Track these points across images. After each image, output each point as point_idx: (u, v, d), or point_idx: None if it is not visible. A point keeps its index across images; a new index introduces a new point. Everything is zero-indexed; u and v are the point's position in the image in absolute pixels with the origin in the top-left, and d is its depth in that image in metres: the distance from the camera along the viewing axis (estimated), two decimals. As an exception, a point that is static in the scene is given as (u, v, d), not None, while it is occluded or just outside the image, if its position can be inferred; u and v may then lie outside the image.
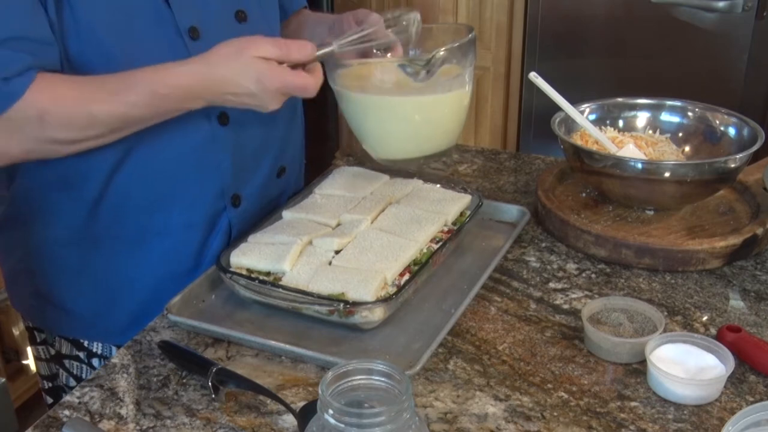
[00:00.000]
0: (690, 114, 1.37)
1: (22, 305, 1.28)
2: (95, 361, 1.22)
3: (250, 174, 1.21)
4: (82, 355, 1.23)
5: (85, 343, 1.22)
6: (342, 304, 0.99)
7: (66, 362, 1.25)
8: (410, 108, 1.10)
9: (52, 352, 1.26)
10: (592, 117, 1.38)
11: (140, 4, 1.05)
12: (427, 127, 1.12)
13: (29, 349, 2.31)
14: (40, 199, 1.13)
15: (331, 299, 1.00)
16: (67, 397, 0.94)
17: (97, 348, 1.22)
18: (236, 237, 1.20)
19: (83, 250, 1.15)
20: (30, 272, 1.20)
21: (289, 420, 0.89)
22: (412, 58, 1.09)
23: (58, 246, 1.15)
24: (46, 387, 1.32)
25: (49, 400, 1.33)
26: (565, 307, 1.09)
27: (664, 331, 0.99)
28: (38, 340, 1.28)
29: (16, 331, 2.30)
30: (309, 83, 1.01)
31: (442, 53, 1.05)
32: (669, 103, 1.39)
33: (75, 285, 1.18)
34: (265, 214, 1.24)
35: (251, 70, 0.99)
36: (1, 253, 1.26)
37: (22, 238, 1.18)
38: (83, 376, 1.23)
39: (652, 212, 1.27)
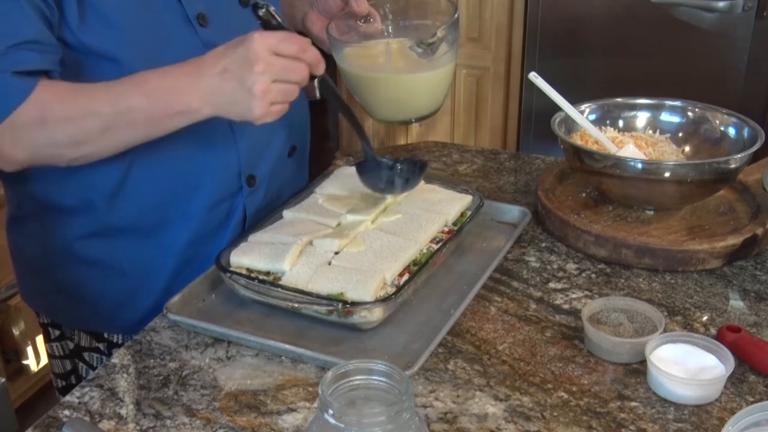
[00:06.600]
0: (690, 114, 1.37)
1: (36, 301, 1.27)
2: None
3: (263, 154, 1.22)
4: (102, 346, 1.23)
5: (105, 335, 1.23)
6: (341, 304, 0.99)
7: (86, 355, 1.25)
8: (407, 83, 1.22)
9: (71, 346, 1.26)
10: (592, 117, 1.37)
11: None
12: (419, 97, 1.24)
13: (29, 349, 2.33)
14: (57, 194, 1.13)
15: (330, 299, 1.00)
16: (67, 397, 0.94)
17: (117, 339, 1.22)
18: (251, 217, 1.21)
19: (104, 242, 1.15)
20: (48, 267, 1.20)
21: (290, 420, 0.89)
22: (420, 40, 1.17)
23: (78, 239, 1.15)
24: (60, 386, 1.31)
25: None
26: (565, 307, 1.09)
27: (664, 331, 0.99)
28: (53, 337, 1.27)
29: (16, 331, 2.30)
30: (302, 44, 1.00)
31: (441, 33, 1.18)
32: (669, 103, 1.39)
33: (96, 278, 1.18)
34: (279, 193, 1.25)
35: (239, 39, 0.98)
36: (14, 250, 1.25)
37: (39, 233, 1.18)
38: None
39: (652, 212, 1.27)
